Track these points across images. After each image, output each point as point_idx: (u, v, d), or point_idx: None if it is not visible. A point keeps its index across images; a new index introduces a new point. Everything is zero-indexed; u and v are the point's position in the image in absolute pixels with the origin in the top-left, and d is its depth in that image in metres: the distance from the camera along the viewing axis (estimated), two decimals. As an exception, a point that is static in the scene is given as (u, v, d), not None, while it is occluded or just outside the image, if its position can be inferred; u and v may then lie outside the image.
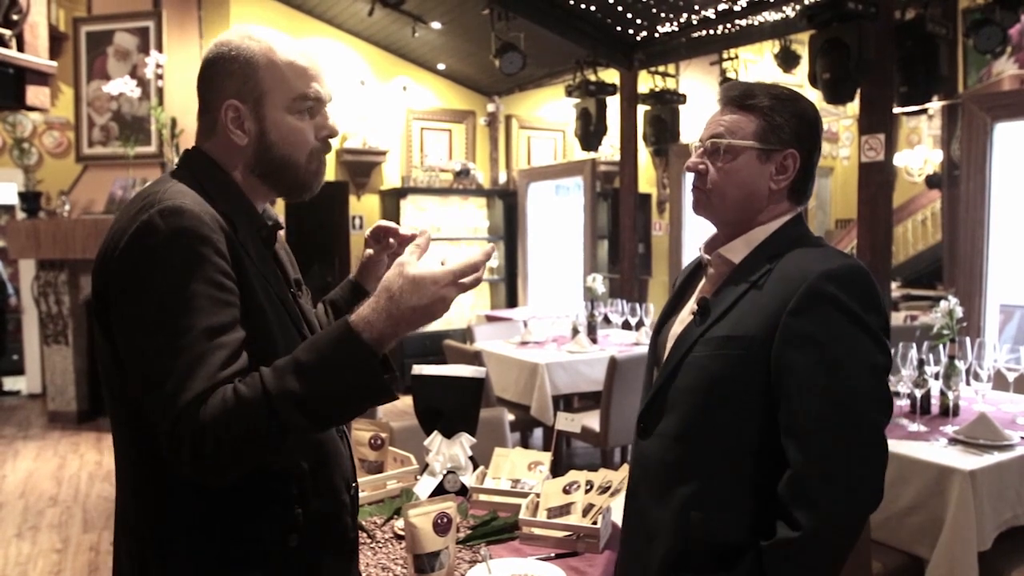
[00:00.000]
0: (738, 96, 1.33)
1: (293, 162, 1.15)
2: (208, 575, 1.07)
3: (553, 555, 1.61)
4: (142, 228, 1.01)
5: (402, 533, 1.58)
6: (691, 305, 1.40)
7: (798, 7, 5.20)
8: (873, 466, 1.19)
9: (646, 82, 6.79)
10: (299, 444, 1.10)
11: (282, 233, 1.24)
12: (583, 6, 5.89)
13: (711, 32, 6.09)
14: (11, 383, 7.57)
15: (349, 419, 1.10)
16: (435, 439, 1.98)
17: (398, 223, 1.41)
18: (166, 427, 0.96)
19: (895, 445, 2.32)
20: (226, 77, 1.12)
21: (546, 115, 8.95)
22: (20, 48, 3.41)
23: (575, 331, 4.79)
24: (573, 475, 1.78)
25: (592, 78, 6.47)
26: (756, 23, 5.86)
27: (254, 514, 1.08)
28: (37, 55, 3.50)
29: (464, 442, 1.98)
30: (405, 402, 2.03)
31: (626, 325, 5.20)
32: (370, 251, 1.44)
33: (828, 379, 1.18)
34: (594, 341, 4.77)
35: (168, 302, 0.98)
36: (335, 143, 7.54)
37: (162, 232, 1.00)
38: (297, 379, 0.97)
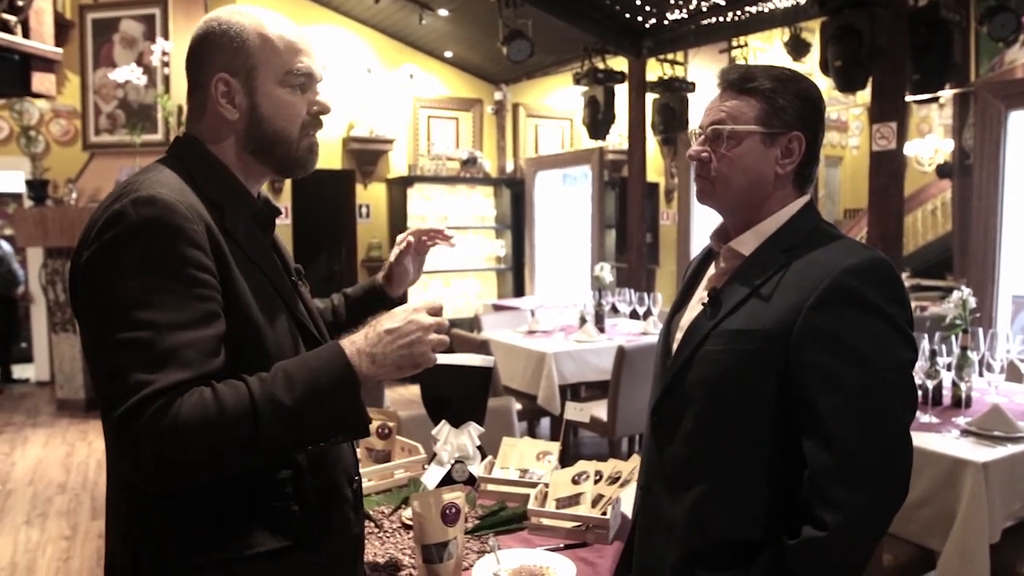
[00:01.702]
0: (738, 79, 1.28)
1: (286, 136, 1.13)
2: (202, 574, 1.03)
3: (562, 546, 1.59)
4: (112, 217, 0.99)
5: (410, 523, 1.57)
6: (701, 295, 1.36)
7: (809, -6, 5.15)
8: (900, 464, 1.15)
9: (655, 70, 6.74)
10: (267, 462, 1.05)
11: (279, 222, 1.24)
12: (591, -7, 5.85)
13: (721, 19, 6.04)
14: (20, 371, 7.60)
15: (321, 442, 1.03)
16: (443, 428, 1.96)
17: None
18: (123, 422, 0.92)
19: (907, 436, 2.29)
20: (216, 51, 1.10)
21: (554, 103, 8.90)
22: (25, 34, 3.38)
23: (583, 320, 4.77)
24: (582, 465, 1.77)
25: (600, 66, 6.42)
26: (766, 10, 5.81)
27: (248, 513, 1.05)
28: (42, 41, 3.48)
29: (472, 431, 1.97)
30: (412, 391, 2.02)
31: (634, 315, 5.18)
32: (398, 249, 1.52)
33: (853, 376, 1.14)
34: (602, 330, 4.75)
35: (133, 295, 0.95)
36: (341, 131, 7.57)
37: (131, 222, 0.98)
38: (287, 391, 0.96)
